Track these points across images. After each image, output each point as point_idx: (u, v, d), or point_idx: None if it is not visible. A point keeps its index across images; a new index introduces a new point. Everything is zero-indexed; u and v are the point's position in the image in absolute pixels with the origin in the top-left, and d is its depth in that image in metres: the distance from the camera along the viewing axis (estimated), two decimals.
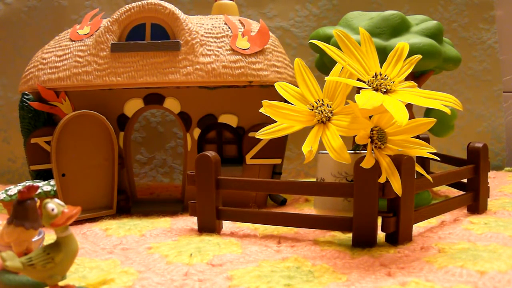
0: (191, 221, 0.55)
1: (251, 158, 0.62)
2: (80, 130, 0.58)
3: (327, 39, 0.59)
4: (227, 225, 0.52)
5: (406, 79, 0.45)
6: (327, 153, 0.42)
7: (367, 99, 0.39)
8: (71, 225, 0.33)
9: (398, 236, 0.43)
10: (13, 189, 0.57)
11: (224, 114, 0.62)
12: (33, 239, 0.36)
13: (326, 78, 0.44)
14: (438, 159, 0.55)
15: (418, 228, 0.49)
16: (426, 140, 0.73)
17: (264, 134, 0.45)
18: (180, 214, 0.60)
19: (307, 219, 0.46)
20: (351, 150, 0.49)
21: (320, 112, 0.44)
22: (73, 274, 0.38)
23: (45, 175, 0.61)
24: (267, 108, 0.44)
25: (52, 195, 0.56)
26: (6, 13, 0.86)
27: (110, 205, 0.59)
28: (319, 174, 0.50)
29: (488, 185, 0.57)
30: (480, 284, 0.32)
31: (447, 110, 0.40)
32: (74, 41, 0.61)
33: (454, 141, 0.93)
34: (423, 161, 0.72)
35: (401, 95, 0.42)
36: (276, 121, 0.45)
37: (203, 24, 0.62)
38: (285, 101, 0.45)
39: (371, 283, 0.34)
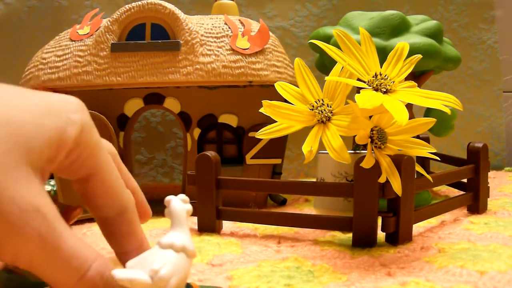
0: (191, 221, 0.55)
1: (251, 158, 0.62)
2: None
3: (327, 39, 0.59)
4: (227, 225, 0.52)
5: (406, 79, 0.45)
6: (327, 153, 0.42)
7: (367, 99, 0.39)
8: (71, 225, 0.33)
9: (398, 236, 0.43)
10: None
11: (224, 114, 0.62)
12: None
13: (326, 78, 0.44)
14: (438, 159, 0.55)
15: (418, 228, 0.49)
16: (426, 140, 0.73)
17: (264, 134, 0.45)
18: None
19: (307, 219, 0.46)
20: (351, 150, 0.49)
21: (320, 112, 0.44)
22: None
23: None
24: (267, 108, 0.44)
25: (52, 195, 0.56)
26: (6, 13, 0.86)
27: None
28: (319, 174, 0.50)
29: (488, 185, 0.57)
30: (480, 284, 0.32)
31: (447, 110, 0.40)
32: (74, 41, 0.61)
33: (454, 141, 0.93)
34: (423, 161, 0.72)
35: (401, 95, 0.42)
36: (276, 121, 0.45)
37: (203, 24, 0.62)
38: (285, 101, 0.45)
39: (371, 283, 0.34)
